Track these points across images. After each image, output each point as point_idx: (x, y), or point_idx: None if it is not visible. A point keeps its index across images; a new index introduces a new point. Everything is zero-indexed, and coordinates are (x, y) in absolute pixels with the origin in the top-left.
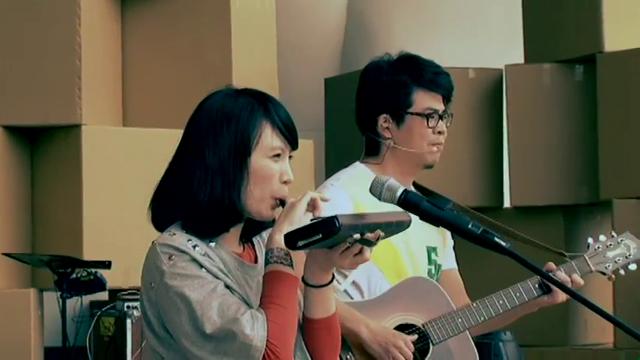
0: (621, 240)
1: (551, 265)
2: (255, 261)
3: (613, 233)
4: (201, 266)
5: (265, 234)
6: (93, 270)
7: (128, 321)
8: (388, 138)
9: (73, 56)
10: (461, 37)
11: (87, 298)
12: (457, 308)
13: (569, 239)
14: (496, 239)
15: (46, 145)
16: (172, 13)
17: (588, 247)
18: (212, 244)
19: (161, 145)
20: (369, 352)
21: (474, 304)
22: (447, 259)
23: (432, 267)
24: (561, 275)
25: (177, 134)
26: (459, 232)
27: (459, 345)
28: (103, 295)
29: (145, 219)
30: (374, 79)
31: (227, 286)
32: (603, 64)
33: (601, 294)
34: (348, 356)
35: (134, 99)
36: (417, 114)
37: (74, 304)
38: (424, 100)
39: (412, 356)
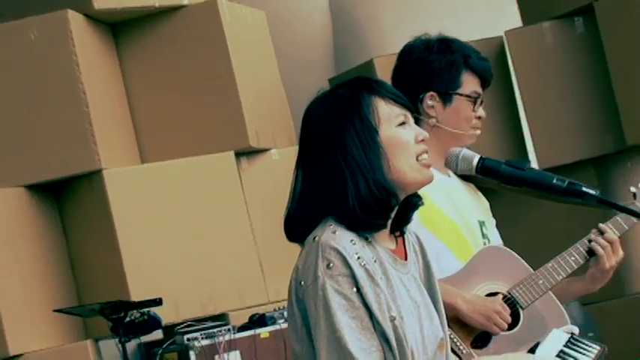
0: None
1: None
2: (406, 257)
3: None
4: (357, 287)
5: (412, 236)
6: (145, 310)
7: (191, 353)
8: (432, 117)
9: (80, 103)
10: (447, 20)
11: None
12: (535, 270)
13: (603, 190)
14: (584, 189)
15: (72, 196)
16: (166, 39)
17: (635, 195)
18: (369, 240)
19: (182, 174)
20: (468, 323)
21: (550, 264)
22: (494, 235)
23: (486, 240)
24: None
25: (196, 162)
26: (544, 188)
27: (547, 307)
28: (155, 335)
29: (182, 247)
30: (422, 56)
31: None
32: (602, 12)
33: None
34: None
35: (147, 135)
36: (467, 96)
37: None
38: (471, 83)
39: (510, 319)
